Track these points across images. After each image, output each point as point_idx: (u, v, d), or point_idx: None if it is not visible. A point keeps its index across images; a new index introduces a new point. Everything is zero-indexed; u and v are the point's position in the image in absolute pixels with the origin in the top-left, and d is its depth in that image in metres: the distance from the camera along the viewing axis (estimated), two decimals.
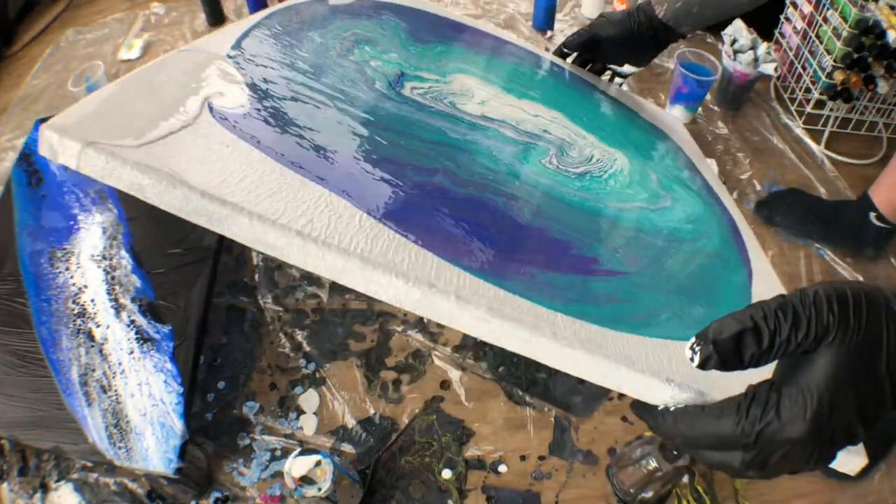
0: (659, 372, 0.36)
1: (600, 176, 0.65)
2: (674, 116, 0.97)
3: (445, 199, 0.50)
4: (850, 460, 0.36)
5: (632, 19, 0.84)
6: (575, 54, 0.89)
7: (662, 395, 0.34)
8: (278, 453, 0.71)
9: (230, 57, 0.57)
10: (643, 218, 0.62)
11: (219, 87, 0.51)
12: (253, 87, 0.54)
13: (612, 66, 0.93)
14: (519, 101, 0.73)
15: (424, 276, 0.39)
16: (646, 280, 0.52)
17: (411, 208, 0.47)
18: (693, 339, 0.29)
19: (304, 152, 0.48)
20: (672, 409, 0.32)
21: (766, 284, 0.59)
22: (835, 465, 0.34)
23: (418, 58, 0.73)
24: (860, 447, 0.36)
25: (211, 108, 0.48)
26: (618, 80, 0.96)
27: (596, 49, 0.86)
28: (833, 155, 1.04)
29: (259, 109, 0.51)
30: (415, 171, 0.51)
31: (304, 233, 0.38)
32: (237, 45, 0.60)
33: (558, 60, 0.89)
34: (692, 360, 0.29)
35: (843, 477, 0.69)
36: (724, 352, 0.28)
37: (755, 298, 0.47)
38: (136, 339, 0.69)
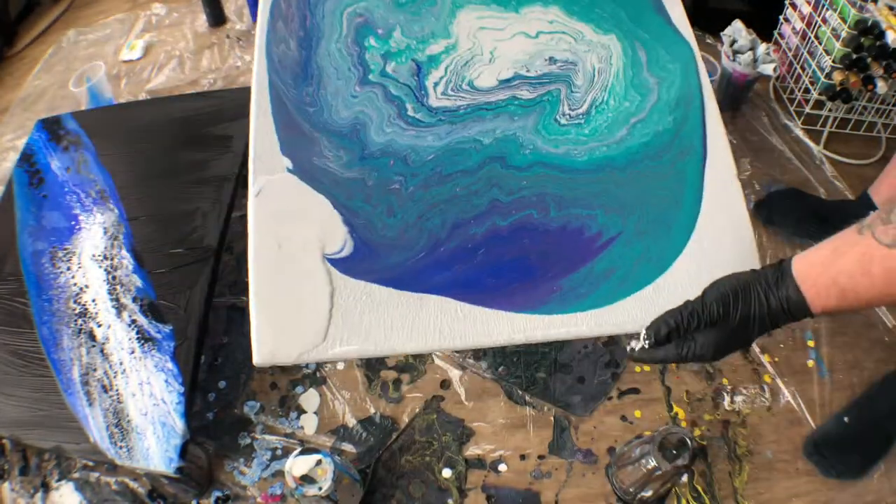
0: (635, 324, 0.58)
1: (601, 100, 0.72)
2: None
3: (498, 244, 0.63)
4: None
5: None
6: None
7: (641, 337, 0.52)
8: (279, 452, 0.71)
9: (291, 171, 0.66)
10: (637, 140, 0.69)
11: (319, 232, 0.62)
12: (335, 202, 0.64)
13: None
14: (519, 18, 0.76)
15: (490, 331, 0.58)
16: (630, 235, 0.63)
17: (482, 274, 0.61)
18: (644, 332, 0.52)
19: (410, 268, 0.61)
20: (647, 346, 0.52)
21: (716, 172, 0.67)
22: None
23: (418, 18, 0.76)
24: None
25: (332, 263, 0.61)
26: None
27: None
28: (832, 155, 1.04)
29: (355, 241, 0.62)
30: (476, 224, 0.64)
31: (431, 347, 0.58)
32: (283, 146, 0.67)
33: None
34: (644, 343, 0.52)
35: (841, 476, 0.70)
36: (660, 341, 0.51)
37: (706, 195, 0.65)
38: (138, 338, 0.69)
